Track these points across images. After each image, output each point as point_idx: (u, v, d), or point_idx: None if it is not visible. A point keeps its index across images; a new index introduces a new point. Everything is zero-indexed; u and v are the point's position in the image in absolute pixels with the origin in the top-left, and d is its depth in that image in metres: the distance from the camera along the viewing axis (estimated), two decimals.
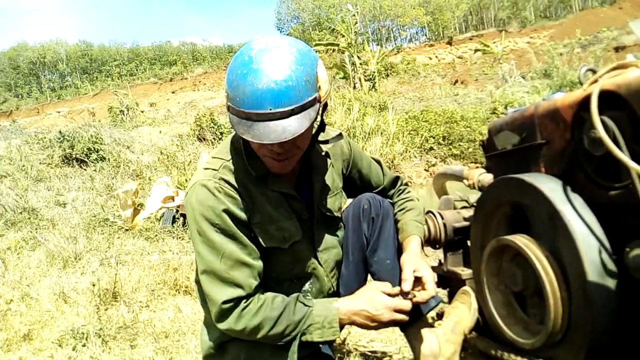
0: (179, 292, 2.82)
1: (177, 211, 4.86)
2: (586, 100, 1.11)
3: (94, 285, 2.62)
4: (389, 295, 1.34)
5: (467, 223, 1.73)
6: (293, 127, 1.15)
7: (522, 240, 1.21)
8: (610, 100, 1.07)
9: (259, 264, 1.34)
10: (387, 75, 22.31)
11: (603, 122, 1.06)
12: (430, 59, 32.61)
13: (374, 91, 15.90)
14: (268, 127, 1.15)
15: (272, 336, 1.29)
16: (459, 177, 2.04)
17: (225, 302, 1.27)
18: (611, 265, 1.07)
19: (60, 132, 8.92)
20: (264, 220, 1.37)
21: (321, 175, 1.49)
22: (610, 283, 1.07)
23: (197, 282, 1.49)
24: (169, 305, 2.68)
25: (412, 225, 1.56)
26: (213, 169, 1.34)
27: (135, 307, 2.59)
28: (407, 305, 1.34)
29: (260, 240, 1.36)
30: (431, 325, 1.59)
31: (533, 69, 17.57)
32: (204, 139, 9.71)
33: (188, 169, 7.09)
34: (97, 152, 8.27)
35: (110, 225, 4.98)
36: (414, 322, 1.54)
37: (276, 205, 1.38)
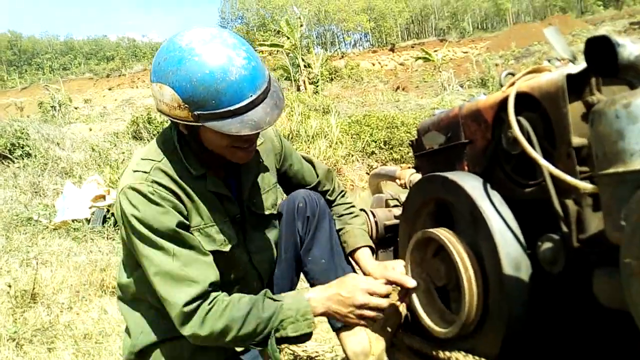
0: (105, 293, 2.69)
1: (108, 211, 4.65)
2: (505, 101, 1.16)
3: (9, 286, 2.44)
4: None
5: (397, 221, 1.76)
6: (278, 101, 1.18)
7: (444, 234, 1.25)
8: (525, 101, 1.13)
9: (210, 257, 1.27)
10: (332, 80, 22.54)
11: (519, 122, 1.11)
12: (374, 64, 33.29)
13: (317, 94, 16.00)
14: (258, 113, 1.14)
15: (243, 337, 1.20)
16: (391, 177, 2.09)
17: (186, 305, 1.17)
18: (525, 259, 1.13)
19: None
20: (203, 223, 1.30)
21: (250, 173, 1.44)
22: (525, 275, 1.12)
23: (121, 285, 1.43)
24: (94, 306, 2.55)
25: (360, 234, 1.59)
26: (144, 172, 1.24)
27: (56, 309, 2.44)
28: (380, 287, 1.30)
29: (202, 244, 1.28)
30: None
31: (470, 77, 18.36)
32: (140, 138, 9.37)
33: (121, 167, 6.81)
34: (22, 147, 7.76)
35: (33, 225, 4.69)
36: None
37: (212, 207, 1.32)
